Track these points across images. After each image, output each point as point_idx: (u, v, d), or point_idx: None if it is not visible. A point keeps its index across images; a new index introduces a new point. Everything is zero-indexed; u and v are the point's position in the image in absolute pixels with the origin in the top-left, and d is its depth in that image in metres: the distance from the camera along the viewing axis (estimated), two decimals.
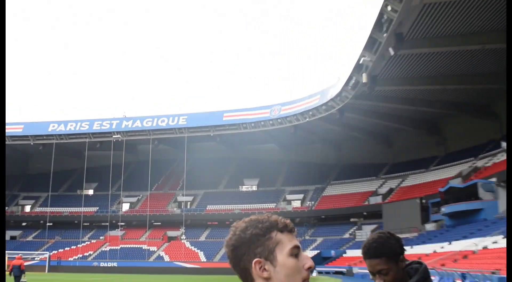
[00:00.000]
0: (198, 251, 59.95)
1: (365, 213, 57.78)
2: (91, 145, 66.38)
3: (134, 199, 71.17)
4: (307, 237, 59.53)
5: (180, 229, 64.71)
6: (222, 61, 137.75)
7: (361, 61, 36.52)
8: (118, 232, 64.95)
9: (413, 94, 46.05)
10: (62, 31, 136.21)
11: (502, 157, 42.03)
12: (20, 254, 28.05)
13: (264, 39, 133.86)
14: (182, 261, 57.26)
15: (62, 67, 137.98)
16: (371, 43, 33.96)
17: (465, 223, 38.84)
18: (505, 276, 18.32)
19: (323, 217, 61.66)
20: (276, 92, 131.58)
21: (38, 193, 73.36)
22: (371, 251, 2.45)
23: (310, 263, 1.49)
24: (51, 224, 64.91)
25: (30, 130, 66.66)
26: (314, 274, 44.32)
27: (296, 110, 55.92)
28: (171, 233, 65.64)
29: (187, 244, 61.88)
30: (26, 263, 29.62)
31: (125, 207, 70.64)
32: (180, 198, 69.41)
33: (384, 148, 61.84)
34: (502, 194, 35.87)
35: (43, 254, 60.50)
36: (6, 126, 53.38)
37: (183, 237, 63.80)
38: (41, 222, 68.23)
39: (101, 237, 66.10)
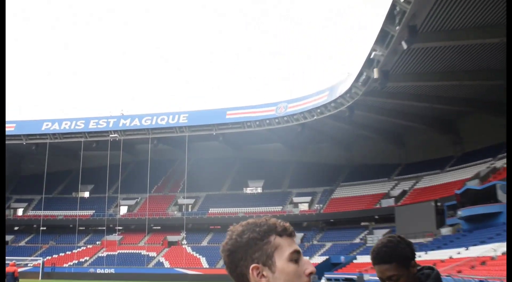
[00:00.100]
0: (200, 256, 60.04)
1: (376, 217, 57.71)
2: (87, 145, 66.59)
3: (132, 202, 71.35)
4: (315, 242, 59.53)
5: (181, 234, 64.79)
6: (222, 61, 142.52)
7: (372, 56, 36.45)
8: (115, 237, 65.07)
9: (427, 90, 45.94)
10: (62, 31, 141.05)
11: None
12: (14, 261, 28.18)
13: (264, 39, 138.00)
14: (183, 267, 57.36)
15: (62, 67, 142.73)
16: (383, 37, 33.87)
17: (483, 227, 38.74)
18: None
19: (332, 220, 61.63)
20: (276, 93, 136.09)
21: (31, 196, 73.66)
22: (380, 256, 2.44)
23: (311, 268, 1.47)
24: (44, 228, 65.12)
25: (22, 129, 66.80)
26: (323, 281, 44.31)
27: (303, 108, 55.85)
28: (171, 238, 65.74)
29: (188, 249, 61.98)
30: (19, 270, 29.74)
31: (123, 210, 70.81)
32: (180, 201, 69.54)
33: (396, 148, 61.73)
34: None
35: (36, 260, 60.72)
36: None
37: (184, 242, 63.89)
38: (34, 226, 68.50)
39: (97, 242, 66.27)
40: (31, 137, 67.21)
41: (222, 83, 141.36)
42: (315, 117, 54.52)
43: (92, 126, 66.44)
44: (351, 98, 47.05)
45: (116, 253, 62.33)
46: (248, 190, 70.59)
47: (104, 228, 63.97)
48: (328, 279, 46.01)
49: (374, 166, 62.62)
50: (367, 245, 53.77)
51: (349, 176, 65.53)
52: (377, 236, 53.04)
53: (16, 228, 71.39)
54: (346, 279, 45.51)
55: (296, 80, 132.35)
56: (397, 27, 31.24)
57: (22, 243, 68.13)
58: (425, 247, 41.29)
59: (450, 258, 34.78)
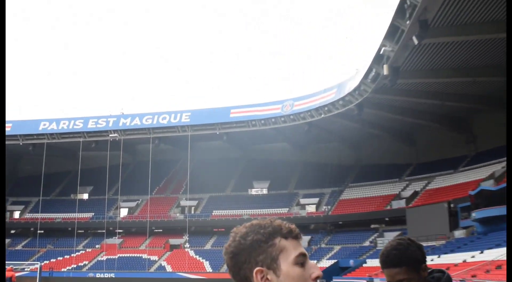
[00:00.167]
0: (203, 260, 60.11)
1: (387, 219, 57.62)
2: (85, 145, 66.68)
3: (133, 204, 71.45)
4: (323, 245, 59.50)
5: (184, 237, 64.90)
6: (222, 61, 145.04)
7: (381, 51, 36.33)
8: (115, 240, 65.20)
9: (439, 87, 45.84)
10: (62, 31, 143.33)
11: None
12: (11, 266, 28.29)
13: (264, 39, 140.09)
14: (186, 271, 57.42)
15: (62, 67, 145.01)
16: (393, 32, 33.80)
17: (498, 230, 38.57)
18: None
19: (340, 223, 61.54)
20: (277, 93, 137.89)
21: (28, 198, 73.87)
22: (390, 259, 2.44)
23: (317, 272, 1.48)
24: (42, 231, 65.33)
25: (19, 129, 66.86)
26: None
27: (310, 106, 55.75)
28: (173, 241, 65.84)
29: (191, 253, 62.05)
30: (16, 274, 29.86)
31: (123, 212, 70.94)
32: (183, 203, 69.61)
33: (407, 147, 61.59)
34: None
35: (33, 264, 60.80)
36: None
37: (187, 245, 63.97)
38: (32, 229, 68.58)
39: (97, 246, 66.43)
40: (28, 137, 67.31)
41: (223, 83, 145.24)
42: (322, 116, 54.41)
43: (91, 125, 66.49)
44: (360, 95, 46.94)
45: (116, 257, 62.43)
46: (253, 191, 70.57)
47: (104, 231, 64.02)
48: None
49: (384, 165, 62.45)
50: (377, 248, 53.67)
51: (358, 176, 65.41)
52: (388, 238, 52.91)
53: (12, 231, 71.48)
54: None
55: (296, 80, 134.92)
56: (408, 22, 31.13)
57: (19, 247, 68.38)
58: (438, 251, 41.23)
59: (464, 262, 34.71)
